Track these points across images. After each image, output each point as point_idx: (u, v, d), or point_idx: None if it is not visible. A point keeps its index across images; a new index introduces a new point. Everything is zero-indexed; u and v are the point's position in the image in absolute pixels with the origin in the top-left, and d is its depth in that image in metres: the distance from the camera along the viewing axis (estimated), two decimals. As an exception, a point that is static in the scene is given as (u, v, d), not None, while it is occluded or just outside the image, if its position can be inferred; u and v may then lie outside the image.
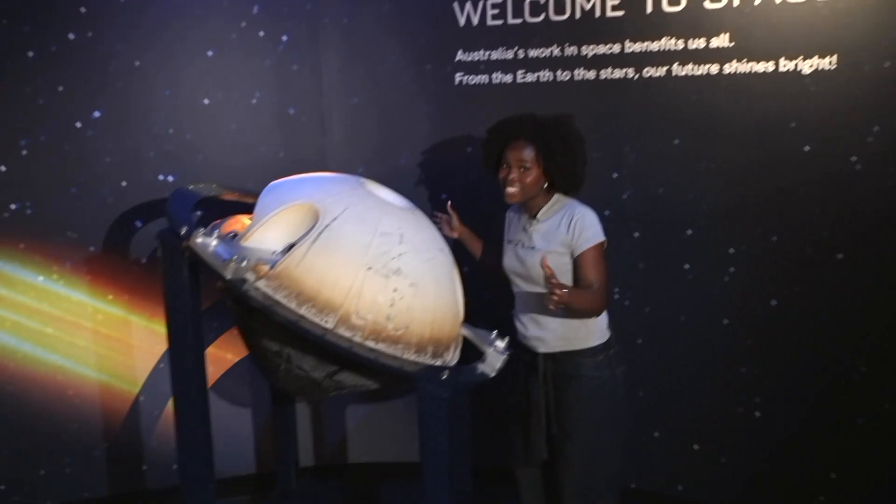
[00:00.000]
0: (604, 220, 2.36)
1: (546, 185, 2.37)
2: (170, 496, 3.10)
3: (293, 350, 2.11)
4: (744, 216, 2.74)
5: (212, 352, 3.10)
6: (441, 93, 3.04)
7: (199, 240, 1.98)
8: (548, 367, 2.40)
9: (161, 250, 2.11)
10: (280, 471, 3.00)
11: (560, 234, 2.34)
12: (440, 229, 2.50)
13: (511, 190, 2.35)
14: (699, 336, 2.88)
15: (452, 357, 2.27)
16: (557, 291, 2.11)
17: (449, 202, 2.69)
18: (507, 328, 2.48)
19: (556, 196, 2.41)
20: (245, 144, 3.03)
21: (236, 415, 3.21)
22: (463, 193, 3.01)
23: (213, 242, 1.99)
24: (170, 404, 3.07)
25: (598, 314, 2.34)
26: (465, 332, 2.41)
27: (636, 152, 2.85)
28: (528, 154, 2.33)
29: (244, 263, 1.94)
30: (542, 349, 2.40)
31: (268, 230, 2.10)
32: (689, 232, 2.83)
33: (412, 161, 3.11)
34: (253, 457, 3.26)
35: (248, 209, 2.51)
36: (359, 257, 2.01)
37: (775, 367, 2.79)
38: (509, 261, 2.46)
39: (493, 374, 2.28)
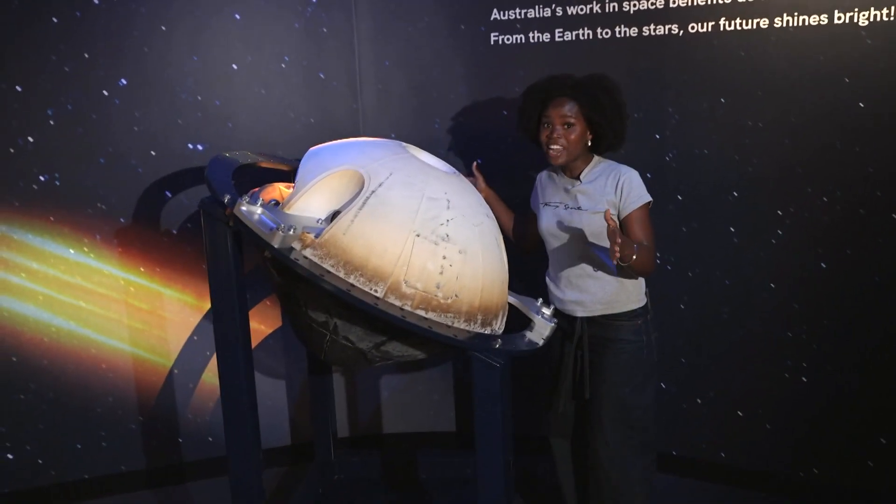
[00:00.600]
0: (646, 183, 2.31)
1: (589, 142, 2.32)
2: (206, 468, 3.13)
3: (340, 320, 2.07)
4: (793, 177, 2.66)
5: (245, 323, 3.05)
6: (476, 53, 2.95)
7: (244, 208, 1.92)
8: (585, 331, 2.37)
9: (203, 219, 2.04)
10: (318, 442, 2.97)
11: (607, 195, 2.29)
12: None
13: (556, 147, 2.29)
14: (744, 300, 2.83)
15: (500, 325, 2.23)
16: (620, 246, 2.05)
17: (475, 163, 2.64)
18: (538, 294, 2.44)
19: (597, 158, 2.38)
20: (275, 110, 2.97)
21: (271, 386, 3.19)
22: (498, 158, 2.98)
23: (258, 210, 1.93)
24: (204, 377, 3.08)
25: (648, 273, 2.31)
26: (511, 299, 2.37)
27: (680, 112, 2.76)
28: (572, 109, 2.28)
29: (291, 232, 1.88)
30: (580, 313, 2.38)
31: (311, 197, 2.04)
32: (735, 194, 2.75)
33: (445, 125, 3.04)
34: (289, 428, 3.25)
35: (282, 177, 2.50)
36: (407, 224, 1.96)
37: (823, 332, 2.73)
38: (548, 223, 2.40)
39: (541, 343, 2.25)
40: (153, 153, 2.88)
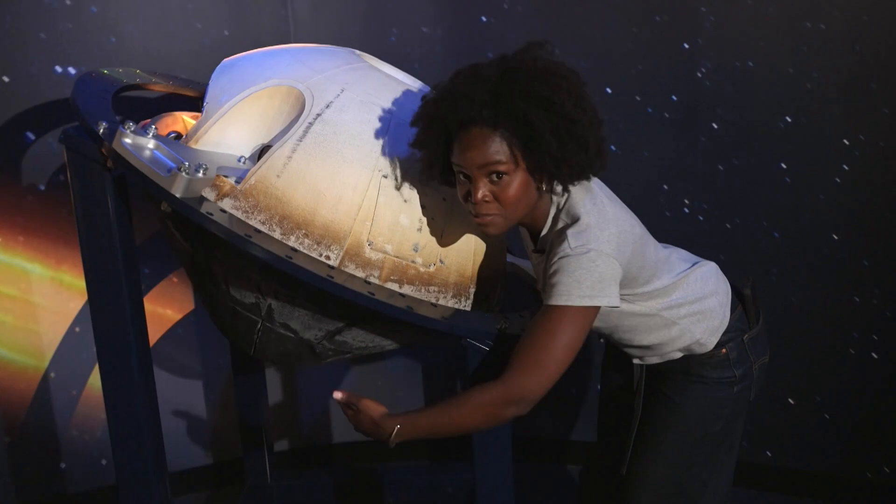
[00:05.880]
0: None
1: (543, 186, 1.64)
2: (99, 501, 2.96)
3: (276, 301, 1.81)
4: (865, 95, 2.51)
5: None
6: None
7: (128, 140, 1.64)
8: (643, 377, 1.95)
9: (68, 161, 1.74)
10: (249, 460, 2.81)
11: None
12: None
13: (488, 218, 1.62)
14: (799, 257, 2.72)
15: (497, 301, 2.00)
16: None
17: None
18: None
19: (556, 200, 1.71)
20: (174, 19, 2.76)
21: (184, 390, 3.02)
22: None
23: (150, 144, 1.66)
24: (91, 381, 2.94)
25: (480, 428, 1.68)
26: (512, 260, 2.17)
27: (716, 12, 2.59)
28: (499, 148, 1.57)
29: (201, 174, 1.61)
30: (636, 360, 1.96)
31: (228, 127, 1.83)
32: (788, 119, 2.62)
33: (405, 38, 2.84)
34: (209, 442, 3.09)
35: (185, 106, 2.31)
36: (369, 160, 1.73)
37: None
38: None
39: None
40: (6, 79, 2.64)
